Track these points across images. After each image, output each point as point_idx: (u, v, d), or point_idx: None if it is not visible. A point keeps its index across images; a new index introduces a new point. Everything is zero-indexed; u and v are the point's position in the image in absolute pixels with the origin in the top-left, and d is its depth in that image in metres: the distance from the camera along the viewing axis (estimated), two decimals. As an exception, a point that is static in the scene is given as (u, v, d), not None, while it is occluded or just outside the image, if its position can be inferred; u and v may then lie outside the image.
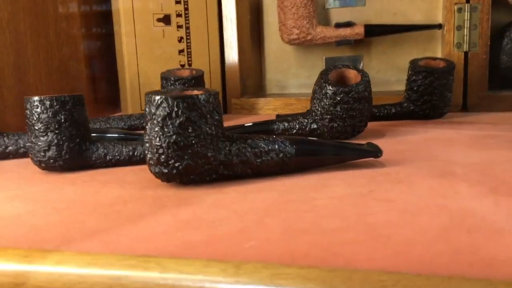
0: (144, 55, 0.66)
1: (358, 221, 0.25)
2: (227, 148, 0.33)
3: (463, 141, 0.44)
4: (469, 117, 0.57)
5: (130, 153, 0.40)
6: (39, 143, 0.37)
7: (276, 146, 0.34)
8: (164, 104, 0.31)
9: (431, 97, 0.54)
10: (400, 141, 0.45)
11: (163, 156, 0.32)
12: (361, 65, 0.71)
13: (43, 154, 0.37)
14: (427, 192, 0.30)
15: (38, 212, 0.29)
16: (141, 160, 0.40)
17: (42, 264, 0.22)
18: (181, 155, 0.31)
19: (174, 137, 0.31)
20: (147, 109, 0.32)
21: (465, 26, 0.59)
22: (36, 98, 0.37)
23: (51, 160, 0.37)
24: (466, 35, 0.59)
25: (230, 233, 0.24)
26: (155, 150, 0.32)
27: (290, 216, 0.27)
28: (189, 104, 0.31)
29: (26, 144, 0.44)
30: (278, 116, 0.58)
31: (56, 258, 0.22)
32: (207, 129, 0.32)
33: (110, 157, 0.39)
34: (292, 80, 0.75)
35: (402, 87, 0.69)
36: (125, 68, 0.66)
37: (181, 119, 0.31)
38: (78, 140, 0.38)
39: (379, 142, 0.43)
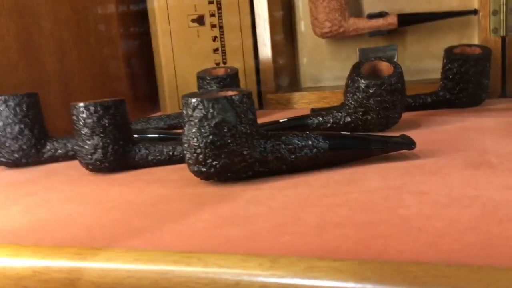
0: (180, 55, 0.68)
1: (390, 214, 0.26)
2: (261, 146, 0.34)
3: (500, 129, 0.44)
4: (507, 104, 0.56)
5: (170, 153, 0.41)
6: (86, 147, 0.40)
7: (310, 142, 0.35)
8: (200, 106, 0.32)
9: (468, 85, 0.53)
10: (435, 131, 0.45)
11: (201, 156, 0.33)
12: (396, 55, 0.70)
13: (90, 157, 0.40)
14: (460, 183, 0.30)
15: (88, 213, 0.31)
16: (180, 159, 0.41)
17: (93, 261, 0.24)
18: (218, 154, 0.33)
19: (210, 137, 0.33)
20: (184, 111, 0.34)
21: (501, 11, 0.57)
22: (81, 104, 0.39)
23: (98, 162, 0.40)
24: (503, 20, 0.58)
25: (267, 228, 0.26)
26: (193, 150, 0.33)
27: (324, 210, 0.28)
28: (224, 105, 0.32)
29: (74, 147, 0.46)
30: (313, 110, 0.58)
31: (106, 255, 0.24)
32: (242, 128, 0.33)
33: (152, 157, 0.41)
34: (326, 73, 0.75)
35: (438, 75, 0.68)
36: (163, 68, 0.68)
37: (217, 119, 0.32)
38: (121, 142, 0.40)
39: (414, 133, 0.43)
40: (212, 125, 0.32)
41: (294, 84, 0.76)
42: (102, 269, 0.24)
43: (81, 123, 0.39)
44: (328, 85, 0.75)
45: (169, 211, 0.30)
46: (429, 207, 0.26)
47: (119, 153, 0.40)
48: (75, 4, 0.62)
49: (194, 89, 0.66)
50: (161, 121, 0.60)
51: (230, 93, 0.35)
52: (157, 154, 0.41)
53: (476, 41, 0.66)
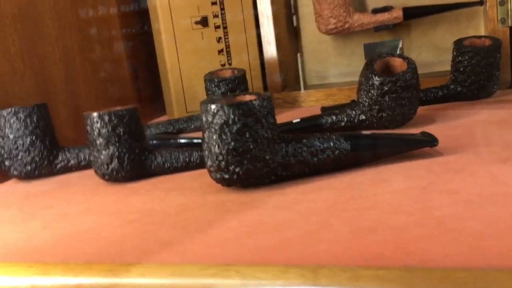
0: (185, 57, 0.67)
1: (424, 216, 0.25)
2: (283, 150, 0.34)
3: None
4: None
5: (187, 159, 0.41)
6: (102, 157, 0.39)
7: (331, 144, 0.35)
8: (221, 113, 0.32)
9: (479, 77, 0.53)
10: (452, 126, 0.45)
11: (223, 163, 0.33)
12: (399, 48, 0.70)
13: (106, 167, 0.39)
14: (489, 180, 0.30)
15: (111, 225, 0.31)
16: (197, 166, 0.41)
17: (127, 277, 0.24)
18: (240, 160, 0.32)
19: (232, 143, 0.32)
20: (203, 118, 0.33)
21: (509, 1, 0.57)
22: (95, 114, 0.39)
23: (114, 172, 0.39)
24: (510, 10, 0.57)
25: (299, 236, 0.25)
26: (214, 157, 0.33)
27: (354, 214, 0.27)
28: (245, 111, 0.32)
29: (88, 157, 0.45)
30: (323, 108, 0.58)
31: (139, 271, 0.24)
32: (263, 133, 0.33)
33: (168, 165, 0.41)
34: (332, 70, 0.74)
35: (445, 68, 0.68)
36: (168, 72, 0.67)
37: (238, 125, 0.32)
38: (137, 151, 0.40)
39: (430, 129, 0.42)
40: (234, 131, 0.32)
41: (300, 82, 0.76)
42: (136, 285, 0.24)
43: (95, 133, 0.39)
44: (334, 82, 0.74)
45: (195, 221, 0.30)
46: (462, 207, 0.26)
47: (135, 161, 0.40)
48: (78, 11, 0.62)
49: (201, 91, 0.65)
50: (170, 125, 0.59)
51: (248, 97, 0.35)
52: (174, 161, 0.41)
53: (482, 32, 0.66)
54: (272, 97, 0.69)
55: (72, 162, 0.46)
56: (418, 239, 0.23)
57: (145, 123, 0.61)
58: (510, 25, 0.58)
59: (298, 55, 0.71)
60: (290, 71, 0.73)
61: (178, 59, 0.67)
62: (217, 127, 0.32)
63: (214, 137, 0.32)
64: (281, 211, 0.29)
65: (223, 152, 0.32)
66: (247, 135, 0.32)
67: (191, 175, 0.40)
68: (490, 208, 0.25)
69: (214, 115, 0.32)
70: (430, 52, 0.69)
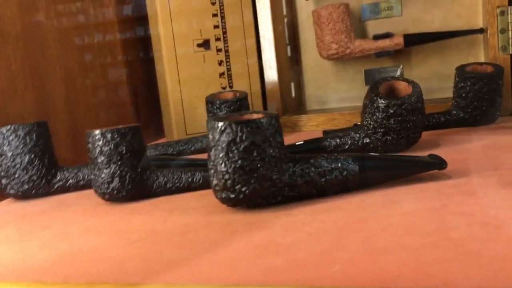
0: (186, 80, 0.67)
1: (441, 237, 0.25)
2: (291, 170, 0.33)
3: (524, 147, 0.43)
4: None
5: (190, 179, 0.40)
6: (103, 175, 0.38)
7: (339, 164, 0.34)
8: (228, 130, 0.31)
9: (481, 103, 0.53)
10: (457, 150, 0.44)
11: (229, 182, 0.32)
12: (399, 74, 0.70)
13: (107, 186, 0.38)
14: (503, 203, 0.29)
15: (113, 245, 0.30)
16: (200, 186, 0.40)
17: (131, 298, 0.23)
18: (247, 179, 0.32)
19: (239, 162, 0.31)
20: (210, 136, 0.32)
21: (509, 29, 0.57)
22: (97, 131, 0.38)
23: (115, 191, 0.38)
24: (511, 37, 0.58)
25: (311, 257, 0.24)
26: (220, 176, 0.32)
27: (368, 235, 0.26)
28: (253, 128, 0.31)
29: (86, 177, 0.44)
30: (325, 132, 0.57)
31: (144, 291, 0.23)
32: (271, 151, 0.32)
33: (170, 185, 0.40)
34: (332, 95, 0.74)
35: (445, 95, 0.68)
36: (169, 94, 0.67)
37: (246, 143, 0.31)
38: (139, 170, 0.39)
39: (436, 153, 0.42)
40: (241, 149, 0.31)
41: (300, 107, 0.76)
42: (140, 307, 0.22)
43: (97, 151, 0.38)
44: (334, 107, 0.74)
45: (200, 241, 0.29)
46: (480, 229, 0.25)
47: (137, 181, 0.39)
48: (80, 31, 0.61)
49: (202, 114, 0.65)
50: (170, 147, 0.59)
51: (255, 115, 0.34)
52: (176, 181, 0.40)
53: (482, 59, 0.66)
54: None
55: (70, 181, 0.45)
56: (437, 260, 0.22)
57: (144, 144, 0.60)
58: (511, 52, 0.58)
59: (292, 83, 0.71)
60: (290, 95, 0.73)
61: (179, 81, 0.67)
62: (224, 145, 0.31)
63: (221, 155, 0.32)
64: (290, 232, 0.28)
65: (230, 170, 0.32)
66: (254, 154, 0.31)
67: (194, 195, 0.39)
68: (509, 230, 0.25)
69: (221, 132, 0.32)
70: (431, 79, 0.70)
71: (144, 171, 0.39)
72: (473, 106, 0.53)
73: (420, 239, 0.25)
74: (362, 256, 0.23)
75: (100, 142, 0.38)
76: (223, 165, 0.32)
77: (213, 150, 0.32)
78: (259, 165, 0.31)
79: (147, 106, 0.76)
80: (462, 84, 0.53)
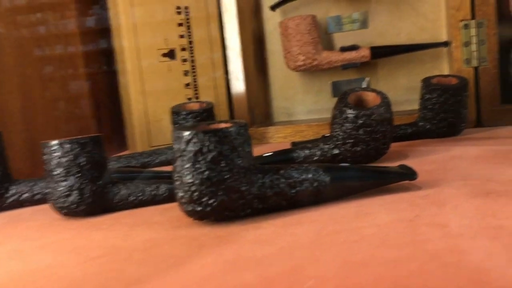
0: (150, 91, 0.65)
1: (417, 249, 0.24)
2: (260, 181, 0.32)
3: (490, 157, 0.43)
4: (486, 133, 0.57)
5: (153, 192, 0.38)
6: (60, 189, 0.36)
7: (310, 175, 0.33)
8: (195, 140, 0.30)
9: (447, 114, 0.53)
10: (425, 161, 0.44)
11: (196, 194, 0.30)
12: (364, 85, 0.70)
13: (64, 199, 0.36)
14: (476, 213, 0.28)
15: (71, 263, 0.27)
16: (165, 199, 0.38)
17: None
18: (215, 191, 0.30)
19: (206, 172, 0.30)
20: (176, 146, 0.31)
21: (473, 42, 0.59)
22: (54, 142, 0.36)
23: (73, 205, 0.36)
24: (475, 51, 0.59)
25: (283, 272, 0.23)
26: (187, 188, 0.30)
27: (341, 248, 0.25)
28: (221, 138, 0.30)
29: (44, 190, 0.42)
30: (293, 143, 0.57)
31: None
32: (240, 162, 0.31)
33: (133, 198, 0.38)
34: (299, 107, 0.74)
35: (411, 107, 0.69)
36: (132, 105, 0.65)
37: (213, 153, 0.30)
38: (100, 182, 0.37)
39: (405, 164, 0.42)
40: (208, 159, 0.30)
41: (267, 118, 0.75)
42: (99, 330, 0.20)
43: (54, 163, 0.36)
44: (302, 119, 0.74)
45: (165, 257, 0.27)
46: (455, 240, 0.24)
47: (97, 194, 0.37)
48: (40, 40, 0.59)
49: (167, 125, 0.63)
50: (133, 159, 0.56)
51: (223, 125, 0.33)
52: (139, 194, 0.38)
53: (446, 72, 0.67)
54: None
55: (25, 195, 0.42)
56: (415, 273, 0.21)
57: (106, 156, 0.58)
58: (475, 65, 0.59)
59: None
60: (257, 107, 0.72)
61: (143, 92, 0.65)
62: (190, 155, 0.30)
63: (187, 166, 0.30)
64: (260, 245, 0.27)
65: (196, 182, 0.30)
66: (222, 164, 0.30)
67: (158, 209, 0.37)
68: (484, 241, 0.24)
69: (187, 142, 0.30)
70: (396, 91, 0.70)
71: (105, 183, 0.37)
72: (439, 118, 0.54)
73: (395, 251, 0.24)
74: (336, 271, 0.22)
75: (58, 153, 0.36)
76: (189, 176, 0.30)
77: (178, 161, 0.31)
78: (227, 176, 0.30)
79: (110, 118, 0.74)
80: (428, 96, 0.54)
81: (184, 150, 0.30)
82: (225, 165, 0.30)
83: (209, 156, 0.30)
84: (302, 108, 0.74)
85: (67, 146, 0.35)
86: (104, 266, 0.26)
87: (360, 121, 0.43)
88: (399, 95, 0.70)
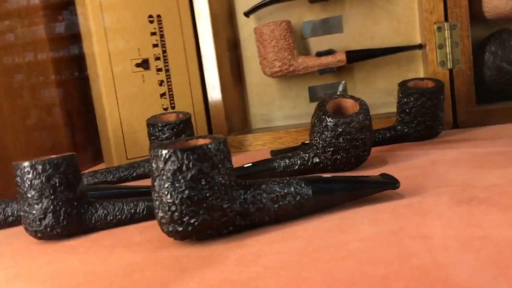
0: (125, 102, 0.64)
1: (404, 265, 0.23)
2: (242, 197, 0.31)
3: (469, 161, 0.43)
4: (462, 134, 0.57)
5: (132, 210, 0.37)
6: (34, 212, 0.34)
7: (292, 189, 0.32)
8: (173, 158, 0.29)
9: (425, 118, 0.54)
10: (405, 167, 0.44)
11: (176, 214, 0.29)
12: (341, 91, 0.70)
13: (38, 223, 0.34)
14: (460, 222, 0.28)
15: (47, 293, 0.26)
16: (144, 217, 0.37)
17: None
18: (196, 210, 0.29)
19: (186, 192, 0.29)
20: (154, 165, 0.30)
21: (447, 44, 0.59)
22: (26, 163, 0.34)
23: (48, 229, 0.35)
24: (449, 53, 0.59)
25: (270, 295, 0.22)
26: (166, 207, 0.29)
27: (328, 266, 0.25)
28: (200, 155, 0.29)
29: (16, 212, 0.40)
30: (273, 152, 0.56)
31: None
32: (220, 179, 0.30)
33: (111, 218, 0.37)
34: (277, 113, 0.73)
35: (388, 109, 0.69)
36: (107, 118, 0.63)
37: (193, 172, 0.29)
38: (75, 203, 0.35)
39: (385, 170, 0.42)
40: (188, 178, 0.29)
41: (245, 126, 0.74)
42: None
43: (26, 185, 0.34)
44: (280, 125, 0.73)
45: (148, 282, 0.26)
46: (442, 253, 0.24)
47: (73, 215, 0.35)
48: (5, 51, 0.57)
49: (143, 137, 0.62)
50: (110, 174, 0.55)
51: (201, 141, 0.32)
52: (117, 213, 0.37)
53: (421, 74, 0.68)
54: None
55: (-2, 218, 0.40)
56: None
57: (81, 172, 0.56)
58: (449, 67, 0.60)
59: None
60: (235, 114, 0.71)
61: (117, 103, 0.63)
62: (169, 174, 0.29)
63: (166, 185, 0.29)
64: (245, 266, 0.26)
65: (177, 201, 0.29)
66: (203, 182, 0.29)
67: (138, 228, 0.36)
68: (470, 253, 0.24)
69: (165, 161, 0.29)
70: (373, 94, 0.70)
71: (81, 204, 0.36)
72: (417, 121, 0.54)
73: (382, 268, 0.23)
74: (325, 292, 0.22)
75: (30, 175, 0.34)
76: (169, 196, 0.29)
77: (157, 180, 0.30)
78: (208, 194, 0.29)
79: (84, 127, 0.72)
80: (405, 99, 0.54)
81: (162, 169, 0.29)
82: (205, 183, 0.29)
83: (189, 175, 0.29)
84: (280, 114, 0.73)
85: (39, 167, 0.34)
86: (83, 296, 0.25)
87: (340, 129, 0.43)
88: (376, 98, 0.70)
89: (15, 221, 0.41)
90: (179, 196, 0.29)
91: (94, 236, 0.36)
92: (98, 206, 0.37)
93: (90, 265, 0.30)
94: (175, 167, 0.29)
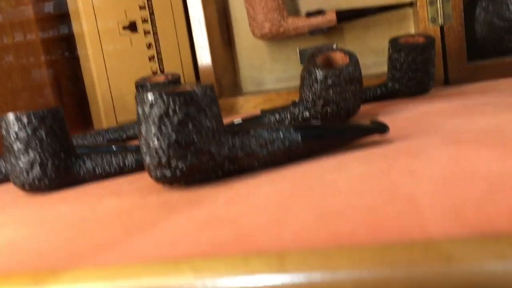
0: (113, 67, 0.63)
1: (393, 195, 0.23)
2: (230, 142, 0.31)
3: (460, 111, 0.43)
4: (454, 90, 0.57)
5: (121, 163, 0.37)
6: (20, 164, 0.34)
7: (281, 134, 0.32)
8: (160, 102, 0.29)
9: (416, 73, 0.53)
10: (396, 119, 0.44)
11: (164, 158, 0.29)
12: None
13: (26, 175, 0.34)
14: (449, 160, 0.28)
15: (36, 236, 0.26)
16: (133, 170, 0.37)
17: (55, 284, 0.20)
18: (184, 154, 0.29)
19: (174, 135, 0.29)
20: (139, 110, 0.30)
21: (437, 0, 0.58)
22: (11, 116, 0.34)
23: (36, 181, 0.34)
24: (440, 9, 0.58)
25: (260, 227, 0.22)
26: (154, 152, 0.29)
27: (317, 200, 0.25)
28: (187, 99, 0.29)
29: (3, 169, 0.40)
30: (262, 111, 0.56)
31: (71, 276, 0.20)
32: (208, 123, 0.30)
33: (100, 170, 0.36)
34: (267, 76, 0.73)
35: (379, 69, 0.69)
36: (95, 83, 0.62)
37: (180, 116, 0.29)
38: (62, 155, 0.35)
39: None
40: (175, 122, 0.29)
41: (235, 89, 0.73)
42: (66, 297, 0.19)
43: (12, 138, 0.34)
44: (270, 88, 0.73)
45: (136, 222, 0.26)
46: (430, 185, 0.24)
47: (61, 167, 0.35)
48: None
49: (132, 101, 0.61)
50: (99, 135, 0.55)
51: (188, 87, 0.32)
52: (105, 166, 0.36)
53: (413, 33, 0.67)
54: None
55: (-15, 176, 0.40)
56: (391, 216, 0.21)
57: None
58: (440, 24, 0.59)
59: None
60: (225, 77, 0.70)
61: (105, 68, 0.63)
62: (156, 119, 0.29)
63: (153, 130, 0.29)
64: (234, 205, 0.26)
65: (164, 146, 0.29)
66: (190, 126, 0.29)
67: (127, 180, 0.36)
68: (459, 184, 0.24)
69: (151, 105, 0.29)
70: (365, 54, 0.70)
71: (68, 156, 0.36)
72: (408, 77, 0.54)
73: (371, 199, 0.23)
74: (313, 221, 0.22)
75: (16, 127, 0.34)
76: (156, 140, 0.29)
77: (143, 126, 0.29)
78: (195, 138, 0.29)
79: (72, 95, 0.71)
80: (396, 55, 0.53)
81: (149, 114, 0.29)
82: (192, 127, 0.29)
83: (176, 119, 0.29)
84: (271, 77, 0.72)
85: (25, 119, 0.34)
86: (71, 236, 0.25)
87: (330, 81, 0.42)
88: (367, 59, 0.69)
89: (3, 179, 0.40)
90: (166, 140, 0.29)
91: (82, 188, 0.36)
92: (86, 159, 0.36)
93: (78, 212, 0.30)
94: (162, 112, 0.29)
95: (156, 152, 0.29)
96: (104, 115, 0.63)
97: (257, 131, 0.32)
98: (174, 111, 0.29)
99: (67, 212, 0.30)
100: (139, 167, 0.37)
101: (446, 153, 0.30)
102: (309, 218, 0.22)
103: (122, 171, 0.37)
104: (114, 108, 0.63)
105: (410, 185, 0.25)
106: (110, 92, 0.63)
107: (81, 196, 0.33)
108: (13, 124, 0.34)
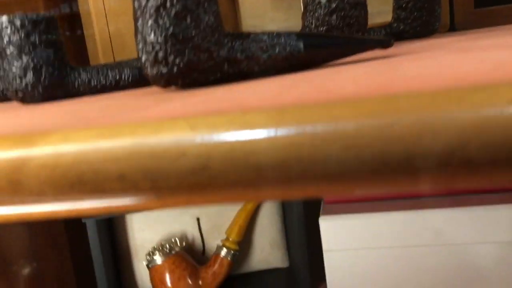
0: (112, 7, 0.61)
1: (400, 75, 0.22)
2: (229, 44, 0.30)
3: (468, 40, 0.42)
4: (460, 35, 0.55)
5: (117, 76, 0.36)
6: (14, 69, 0.33)
7: (282, 39, 0.31)
8: (156, -8, 0.27)
9: (421, 13, 0.52)
10: (400, 49, 0.43)
11: (160, 53, 0.28)
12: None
13: (19, 81, 0.33)
14: (455, 59, 0.27)
15: (25, 118, 0.25)
16: (130, 84, 0.36)
17: (44, 145, 0.19)
18: (181, 49, 0.28)
19: (171, 28, 0.28)
20: (136, 4, 0.28)
21: None
22: (4, 18, 0.33)
23: (29, 88, 0.33)
24: (448, -50, 0.57)
25: (258, 99, 0.21)
26: (150, 47, 0.28)
27: (318, 83, 0.24)
28: (184, -10, 0.28)
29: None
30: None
31: (61, 136, 0.19)
32: (207, 19, 0.28)
33: (95, 83, 0.35)
34: (269, 25, 0.71)
35: (384, 19, 0.67)
36: (94, 22, 0.61)
37: (177, 8, 0.27)
38: (57, 64, 0.34)
39: (380, 54, 0.40)
40: (172, 14, 0.27)
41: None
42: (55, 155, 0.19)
43: (5, 41, 0.33)
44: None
45: (130, 108, 0.25)
46: (436, 68, 0.23)
47: (55, 76, 0.34)
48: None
49: (131, 41, 0.60)
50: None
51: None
52: (101, 79, 0.35)
53: (419, -20, 0.65)
54: None
55: (-22, 92, 0.39)
56: (398, 84, 0.20)
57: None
58: (447, -34, 0.58)
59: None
60: (227, 25, 0.69)
61: (103, 4, 0.61)
62: (152, 11, 0.28)
63: (149, 22, 0.28)
64: (232, 93, 0.25)
65: (160, 39, 0.28)
66: (188, 20, 0.28)
67: (124, 93, 0.35)
68: (467, 67, 0.23)
69: (148, -4, 0.28)
70: (369, 2, 0.68)
71: (63, 66, 0.34)
72: (413, 17, 0.52)
73: (377, 78, 0.22)
74: (315, 91, 0.21)
75: (8, 30, 0.33)
76: (152, 34, 0.28)
77: (139, 20, 0.28)
78: (193, 33, 0.28)
79: (70, 39, 0.70)
80: (401, -6, 0.52)
81: (145, 6, 0.28)
82: (190, 21, 0.28)
83: (173, 11, 0.27)
84: (273, 26, 0.71)
85: (18, 22, 0.33)
86: (63, 116, 0.24)
87: (333, 5, 0.41)
88: (372, 7, 0.68)
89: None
90: (163, 33, 0.28)
91: (78, 100, 0.35)
92: (81, 71, 0.35)
93: (72, 113, 0.29)
94: (158, 3, 0.27)
95: (153, 47, 0.28)
96: (102, 55, 0.62)
97: (258, 35, 0.31)
98: (172, 3, 0.27)
99: (61, 113, 0.29)
100: (136, 82, 0.36)
101: (451, 57, 0.28)
102: (311, 91, 0.21)
103: (118, 84, 0.36)
104: (112, 47, 0.62)
105: (418, 69, 0.24)
106: (108, 31, 0.62)
107: (77, 103, 0.32)
108: (6, 27, 0.33)
